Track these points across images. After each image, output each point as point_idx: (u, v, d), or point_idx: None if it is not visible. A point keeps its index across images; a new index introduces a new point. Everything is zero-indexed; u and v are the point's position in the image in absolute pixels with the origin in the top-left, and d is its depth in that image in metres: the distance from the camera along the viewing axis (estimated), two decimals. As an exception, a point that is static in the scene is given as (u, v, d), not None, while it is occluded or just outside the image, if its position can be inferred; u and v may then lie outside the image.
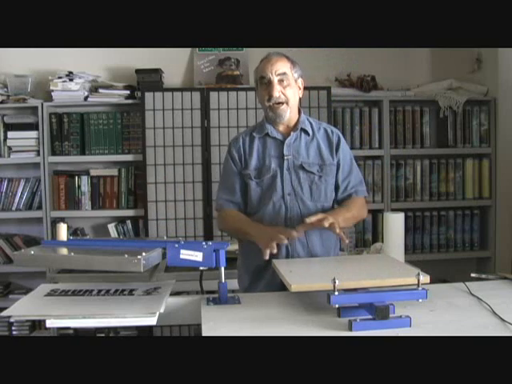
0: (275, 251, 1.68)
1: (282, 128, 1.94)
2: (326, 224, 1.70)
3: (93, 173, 3.30)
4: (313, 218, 1.73)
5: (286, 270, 1.58)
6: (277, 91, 1.85)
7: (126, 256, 1.41)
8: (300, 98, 1.96)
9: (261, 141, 1.95)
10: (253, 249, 1.82)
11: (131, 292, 1.59)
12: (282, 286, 1.60)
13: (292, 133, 1.92)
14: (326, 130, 1.97)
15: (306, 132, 1.94)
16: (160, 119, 3.16)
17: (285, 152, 1.90)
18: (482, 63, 3.53)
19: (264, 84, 1.88)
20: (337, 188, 1.95)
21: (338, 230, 1.70)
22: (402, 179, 3.46)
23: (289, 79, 1.87)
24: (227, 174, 1.99)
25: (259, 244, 1.74)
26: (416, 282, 1.39)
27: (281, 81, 1.86)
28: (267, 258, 1.68)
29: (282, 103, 1.87)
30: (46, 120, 3.20)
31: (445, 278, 2.80)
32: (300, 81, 1.94)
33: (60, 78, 3.17)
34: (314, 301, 1.52)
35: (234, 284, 2.00)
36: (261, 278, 1.89)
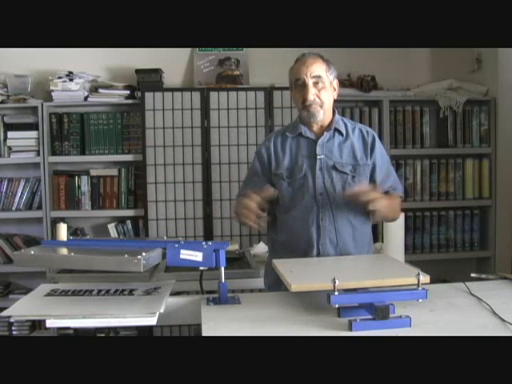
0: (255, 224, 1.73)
1: (315, 128, 1.93)
2: (364, 198, 1.71)
3: (93, 173, 3.31)
4: (353, 191, 1.77)
5: (286, 270, 1.58)
6: (311, 94, 1.84)
7: (126, 256, 1.41)
8: (334, 99, 1.95)
9: (294, 140, 1.94)
10: (280, 249, 1.89)
11: (131, 292, 1.59)
12: None
13: (325, 133, 1.91)
14: (361, 131, 1.96)
15: (340, 132, 1.93)
16: (160, 119, 3.16)
17: (317, 152, 1.89)
18: (481, 63, 3.53)
19: (299, 86, 1.87)
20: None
21: (370, 207, 1.71)
22: (401, 179, 3.45)
23: (324, 82, 1.86)
24: (250, 171, 2.04)
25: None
26: (416, 282, 1.39)
27: (316, 83, 1.85)
28: (258, 227, 1.78)
29: (315, 105, 1.86)
30: (46, 120, 3.20)
31: (445, 278, 2.80)
32: (335, 82, 1.93)
33: (60, 78, 3.17)
34: (314, 301, 1.52)
35: (234, 284, 2.00)
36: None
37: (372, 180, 1.93)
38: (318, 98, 1.86)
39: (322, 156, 1.89)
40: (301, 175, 1.89)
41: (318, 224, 1.87)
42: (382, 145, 2.02)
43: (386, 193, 1.94)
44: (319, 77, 1.85)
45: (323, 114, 1.89)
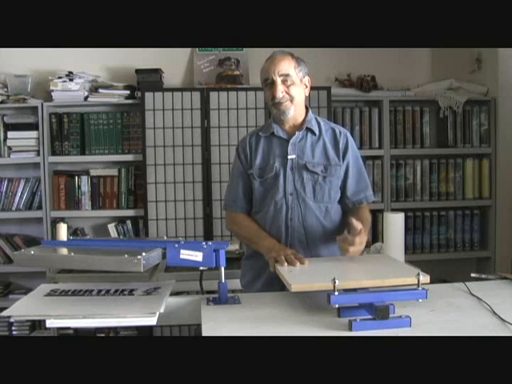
0: (285, 265, 1.62)
1: (288, 127, 1.92)
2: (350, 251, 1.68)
3: (93, 173, 3.31)
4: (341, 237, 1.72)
5: (286, 270, 1.58)
6: (280, 92, 1.83)
7: (126, 256, 1.41)
8: (306, 96, 1.93)
9: (266, 140, 1.94)
10: (256, 251, 1.86)
11: (131, 292, 1.59)
12: (280, 287, 1.61)
13: (297, 132, 1.90)
14: (333, 131, 1.94)
15: (313, 132, 1.91)
16: (160, 119, 3.16)
17: (289, 151, 1.89)
18: (481, 63, 3.53)
19: (268, 84, 1.86)
20: (346, 191, 1.93)
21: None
22: (402, 179, 3.46)
23: (293, 79, 1.84)
24: (232, 174, 2.02)
25: (267, 256, 1.74)
26: (416, 282, 1.39)
27: (284, 81, 1.84)
28: (273, 269, 1.67)
29: (285, 101, 1.85)
30: (46, 120, 3.20)
31: (445, 278, 2.80)
32: (306, 79, 1.91)
33: (60, 78, 3.17)
34: (314, 301, 1.52)
35: (234, 284, 2.00)
36: (260, 276, 1.90)
37: (344, 182, 1.92)
38: (288, 93, 1.84)
39: (294, 156, 1.88)
40: (271, 174, 1.88)
41: (287, 224, 1.87)
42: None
43: (359, 202, 1.93)
44: (287, 75, 1.83)
45: (294, 110, 1.87)
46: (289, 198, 1.87)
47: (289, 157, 1.88)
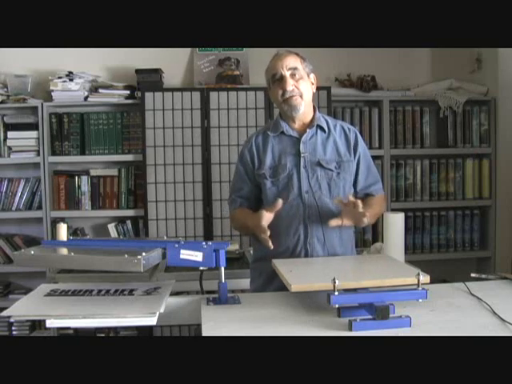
0: (268, 234, 1.68)
1: (297, 125, 1.92)
2: (359, 209, 1.70)
3: (93, 173, 3.31)
4: (348, 200, 1.74)
5: (286, 270, 1.58)
6: (290, 85, 1.84)
7: (126, 256, 1.41)
8: (314, 93, 1.94)
9: (276, 139, 1.93)
10: (267, 254, 1.83)
11: (131, 292, 1.59)
12: None
13: (308, 130, 1.90)
14: (342, 127, 1.96)
15: (322, 129, 1.92)
16: (160, 119, 3.16)
17: (301, 149, 1.88)
18: (481, 63, 3.53)
19: (277, 80, 1.86)
20: (356, 186, 1.95)
21: (365, 220, 1.73)
22: (402, 179, 3.46)
23: (300, 73, 1.86)
24: (235, 175, 2.01)
25: (256, 232, 1.75)
26: (416, 282, 1.39)
27: (293, 75, 1.85)
28: (271, 247, 1.70)
29: (295, 95, 1.85)
30: (46, 120, 3.20)
31: (445, 278, 2.80)
32: (312, 76, 1.93)
33: (60, 78, 3.17)
34: (314, 301, 1.51)
35: (234, 284, 2.00)
36: (271, 282, 1.86)
37: (355, 178, 1.94)
38: (297, 88, 1.85)
39: (306, 153, 1.88)
40: (285, 174, 1.88)
41: (306, 223, 1.86)
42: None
43: (368, 195, 1.96)
44: (295, 68, 1.85)
45: (304, 106, 1.88)
46: (305, 196, 1.86)
47: (302, 155, 1.88)
